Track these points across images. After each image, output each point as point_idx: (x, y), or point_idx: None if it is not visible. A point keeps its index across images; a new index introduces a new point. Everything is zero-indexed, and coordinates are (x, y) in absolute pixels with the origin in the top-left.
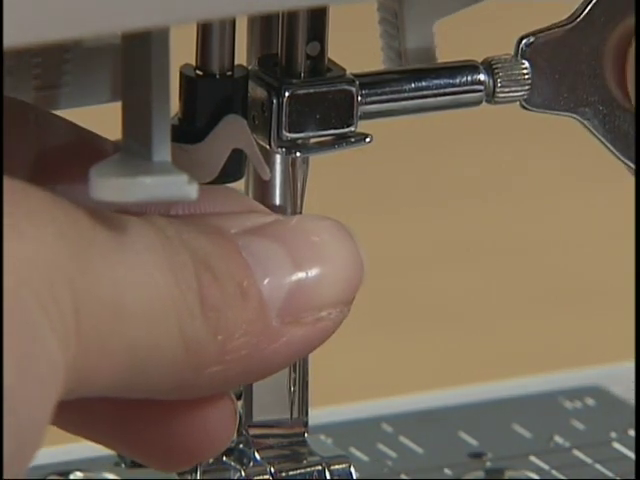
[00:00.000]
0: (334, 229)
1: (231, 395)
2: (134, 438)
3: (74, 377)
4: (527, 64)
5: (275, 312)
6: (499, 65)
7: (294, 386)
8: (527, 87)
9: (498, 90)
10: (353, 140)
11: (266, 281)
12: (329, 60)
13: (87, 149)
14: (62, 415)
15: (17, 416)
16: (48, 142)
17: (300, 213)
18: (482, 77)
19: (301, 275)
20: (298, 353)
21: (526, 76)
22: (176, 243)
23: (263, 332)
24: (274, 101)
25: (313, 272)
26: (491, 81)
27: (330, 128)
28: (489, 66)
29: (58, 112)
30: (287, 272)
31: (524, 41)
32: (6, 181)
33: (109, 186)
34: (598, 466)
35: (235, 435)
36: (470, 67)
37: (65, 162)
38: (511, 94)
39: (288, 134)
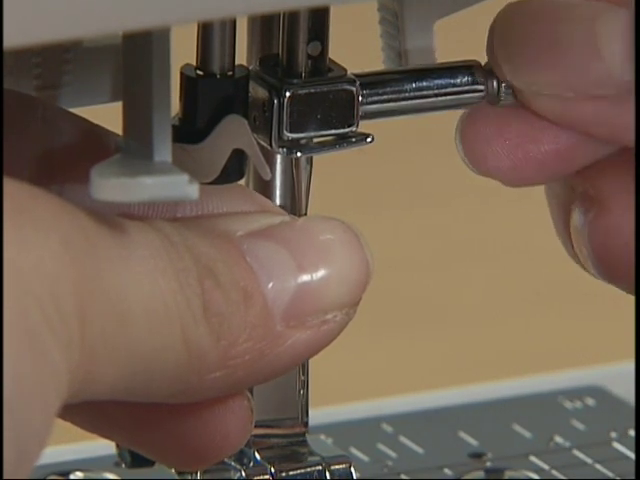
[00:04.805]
0: (340, 230)
1: (246, 394)
2: (149, 438)
3: (77, 382)
4: None
5: (279, 316)
6: None
7: (303, 389)
8: None
9: (503, 91)
10: (354, 140)
11: (270, 285)
12: (330, 60)
13: (95, 145)
14: (76, 414)
15: (17, 423)
16: (55, 138)
17: (305, 213)
18: (483, 77)
19: (306, 278)
20: (303, 356)
21: None
22: (180, 249)
23: (267, 337)
24: (275, 101)
25: (318, 274)
26: (495, 83)
27: (331, 128)
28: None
29: None
30: (292, 275)
31: None
32: (12, 184)
33: (110, 186)
34: (598, 466)
35: None
36: (471, 67)
37: (73, 159)
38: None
39: (289, 134)
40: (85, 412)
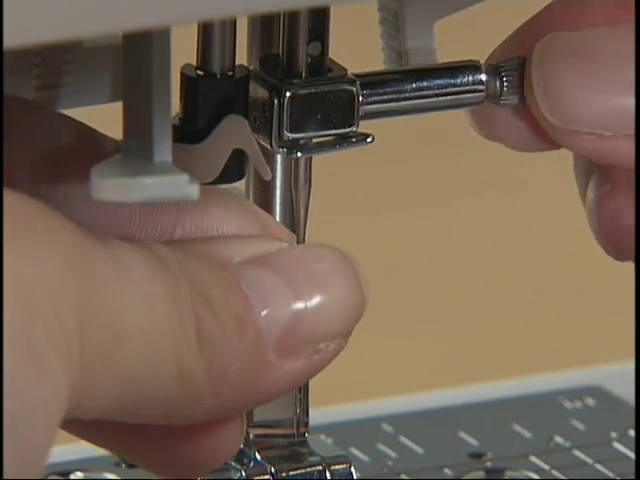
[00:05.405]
0: (337, 260)
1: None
2: (140, 451)
3: (75, 397)
4: None
5: (272, 345)
6: (506, 67)
7: (302, 389)
8: None
9: (505, 93)
10: (354, 140)
11: (264, 313)
12: (330, 60)
13: (91, 149)
14: (71, 425)
15: (21, 437)
16: (51, 142)
17: (306, 214)
18: (483, 77)
19: (300, 308)
20: (293, 385)
21: None
22: (177, 275)
23: (259, 366)
24: (275, 101)
25: (313, 305)
26: (498, 83)
27: (331, 128)
28: (496, 68)
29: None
30: (286, 305)
31: None
32: (15, 198)
33: (110, 186)
34: (598, 466)
35: None
36: (471, 67)
37: (69, 162)
38: (518, 97)
39: (289, 134)
40: (81, 425)
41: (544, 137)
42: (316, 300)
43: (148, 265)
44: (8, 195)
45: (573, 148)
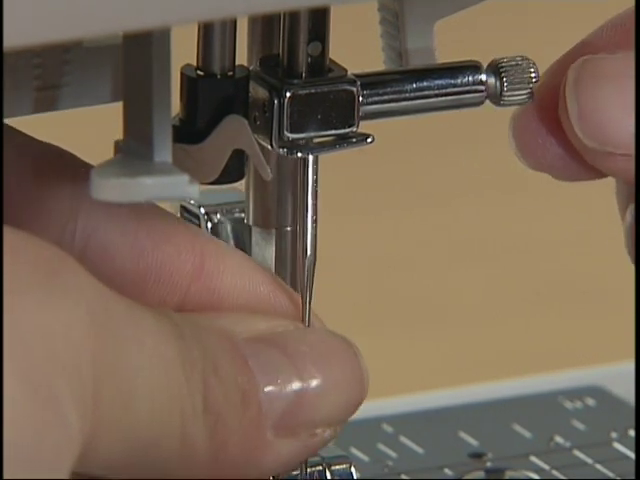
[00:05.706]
0: (341, 347)
1: None
2: None
3: (84, 448)
4: (535, 66)
5: (271, 423)
6: (506, 68)
7: None
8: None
9: (505, 93)
10: (354, 140)
11: (267, 392)
12: (330, 60)
13: (61, 162)
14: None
15: (32, 477)
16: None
17: (315, 214)
18: (484, 77)
19: (302, 391)
20: (286, 466)
21: (534, 79)
22: (189, 341)
23: (256, 443)
24: (275, 101)
25: (314, 389)
26: (498, 83)
27: (331, 128)
28: (496, 68)
29: (58, 112)
30: (289, 386)
31: None
32: (44, 247)
33: (110, 186)
34: (598, 466)
35: None
36: (472, 67)
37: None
38: (518, 98)
39: (289, 134)
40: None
41: (589, 166)
42: (317, 383)
43: (162, 328)
44: (41, 246)
45: (608, 170)
